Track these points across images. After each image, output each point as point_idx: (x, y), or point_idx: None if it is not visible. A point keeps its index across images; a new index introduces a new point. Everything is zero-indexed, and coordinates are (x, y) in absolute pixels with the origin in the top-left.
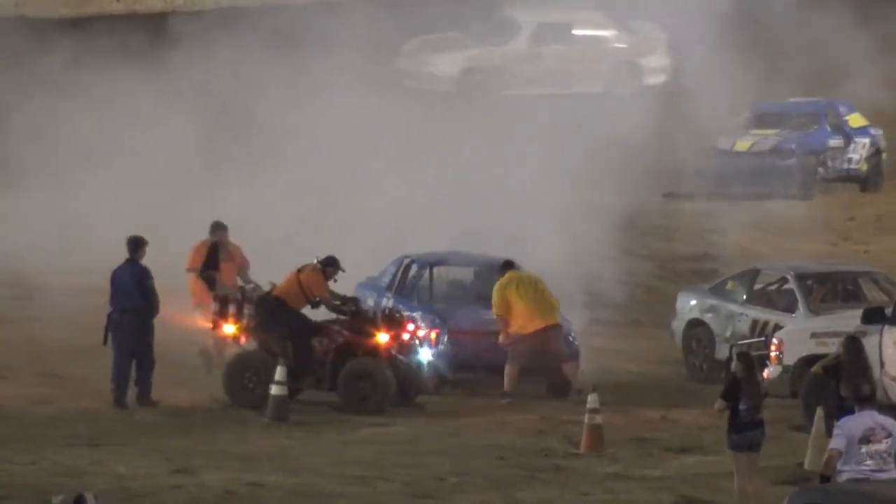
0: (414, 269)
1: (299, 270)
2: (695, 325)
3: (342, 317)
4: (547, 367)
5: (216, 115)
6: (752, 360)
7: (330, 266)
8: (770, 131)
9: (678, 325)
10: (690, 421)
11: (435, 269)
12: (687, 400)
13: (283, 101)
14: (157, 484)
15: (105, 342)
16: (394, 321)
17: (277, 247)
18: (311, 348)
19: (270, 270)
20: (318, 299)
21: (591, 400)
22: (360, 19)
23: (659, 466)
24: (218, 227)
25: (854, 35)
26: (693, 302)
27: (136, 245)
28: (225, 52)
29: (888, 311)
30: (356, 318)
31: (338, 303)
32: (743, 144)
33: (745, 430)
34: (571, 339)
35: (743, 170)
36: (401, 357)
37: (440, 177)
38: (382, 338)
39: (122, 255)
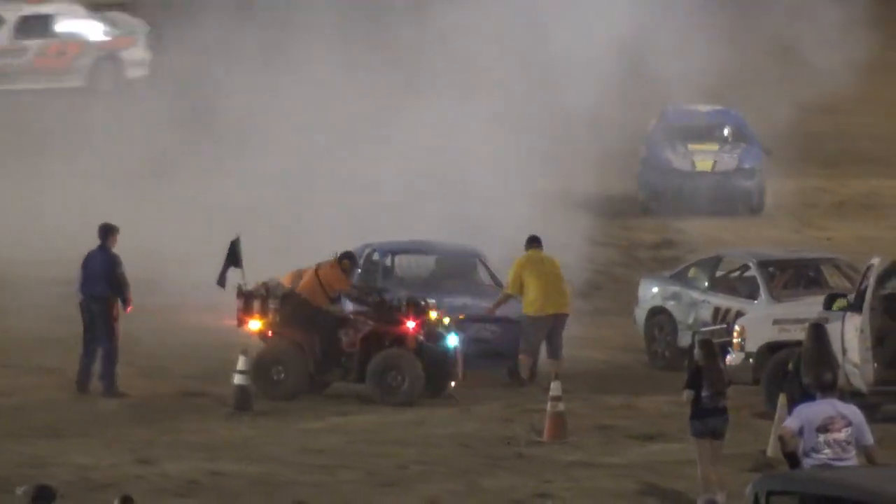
0: (376, 257)
1: (317, 268)
2: (657, 312)
3: (366, 308)
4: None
5: (181, 101)
6: (714, 347)
7: (346, 259)
8: (711, 146)
9: (640, 313)
10: (653, 408)
11: (396, 258)
12: (650, 387)
13: (252, 86)
14: (119, 474)
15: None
16: (419, 308)
17: (253, 236)
18: (337, 341)
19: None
20: (339, 294)
21: (554, 388)
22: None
23: (622, 454)
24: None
25: (811, 21)
26: (655, 289)
27: (107, 232)
28: (189, 35)
29: (850, 297)
30: (381, 307)
31: (360, 294)
32: (705, 164)
33: (707, 417)
34: None
35: (708, 190)
36: (429, 345)
37: (409, 165)
38: (409, 325)
39: (84, 245)
